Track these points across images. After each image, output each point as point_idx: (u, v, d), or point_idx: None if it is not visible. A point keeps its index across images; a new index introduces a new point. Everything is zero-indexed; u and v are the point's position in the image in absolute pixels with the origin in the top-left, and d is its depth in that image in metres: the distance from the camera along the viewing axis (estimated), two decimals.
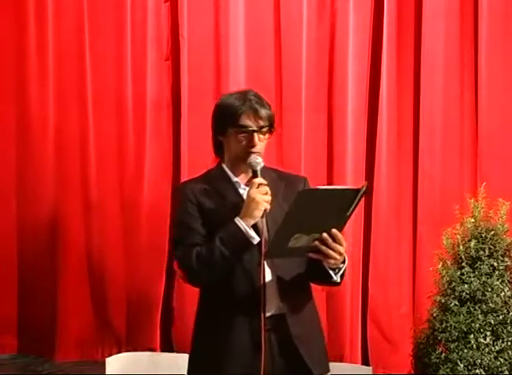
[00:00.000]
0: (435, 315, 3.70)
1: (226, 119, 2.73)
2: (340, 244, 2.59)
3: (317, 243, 2.56)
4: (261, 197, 2.60)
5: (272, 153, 4.56)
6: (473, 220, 3.72)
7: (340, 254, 2.60)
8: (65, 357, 4.64)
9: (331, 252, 2.58)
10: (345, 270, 2.69)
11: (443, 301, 3.66)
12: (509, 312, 3.60)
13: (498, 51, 4.39)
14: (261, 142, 2.72)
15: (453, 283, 3.65)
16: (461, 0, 4.45)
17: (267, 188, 2.63)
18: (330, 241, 2.57)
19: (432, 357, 3.62)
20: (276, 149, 4.59)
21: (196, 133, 4.65)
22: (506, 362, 3.54)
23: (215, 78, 4.67)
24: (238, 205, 2.66)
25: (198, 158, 4.64)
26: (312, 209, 2.46)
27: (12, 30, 4.68)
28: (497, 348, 3.55)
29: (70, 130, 4.69)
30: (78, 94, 4.69)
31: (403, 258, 4.50)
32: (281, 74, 4.61)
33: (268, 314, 2.68)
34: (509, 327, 3.59)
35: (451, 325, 3.60)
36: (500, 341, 3.56)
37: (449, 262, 3.72)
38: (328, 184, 4.48)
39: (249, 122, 2.70)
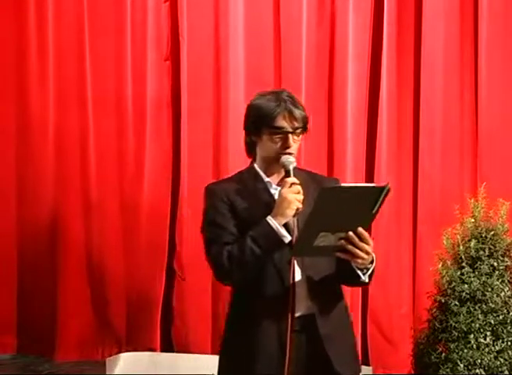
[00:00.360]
0: (435, 315, 3.70)
1: (261, 121, 2.72)
2: (367, 243, 2.57)
3: (343, 242, 2.54)
4: (293, 196, 2.60)
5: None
6: (473, 220, 3.72)
7: (367, 253, 2.58)
8: (65, 357, 4.64)
9: (358, 251, 2.56)
10: (373, 270, 2.68)
11: (443, 301, 3.66)
12: (509, 312, 3.60)
13: (498, 51, 4.39)
14: (294, 143, 2.72)
15: (453, 283, 3.65)
16: (461, 0, 4.45)
17: (299, 187, 2.62)
18: (356, 239, 2.55)
19: (432, 357, 3.61)
20: None
21: (196, 133, 4.66)
22: (506, 362, 3.54)
23: (214, 78, 4.67)
24: (270, 205, 2.65)
25: (198, 158, 4.66)
26: (336, 207, 2.45)
27: (12, 30, 4.69)
28: (497, 347, 3.54)
29: (70, 130, 4.69)
30: (78, 94, 4.69)
31: (403, 258, 4.50)
32: (280, 74, 4.61)
33: (297, 314, 2.68)
34: (509, 327, 3.59)
35: (451, 325, 3.60)
36: (500, 340, 3.56)
37: (449, 262, 3.72)
38: None
39: (284, 123, 2.69)
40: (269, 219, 2.62)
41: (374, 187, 2.57)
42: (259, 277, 2.69)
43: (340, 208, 2.46)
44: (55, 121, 4.70)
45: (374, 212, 2.52)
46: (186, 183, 4.66)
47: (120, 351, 4.68)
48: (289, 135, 2.70)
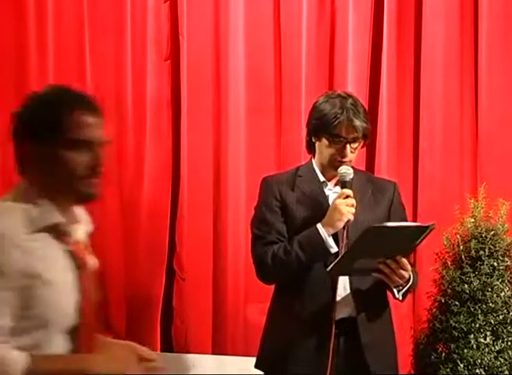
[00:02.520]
0: (435, 315, 3.69)
1: (321, 125, 2.74)
2: (405, 270, 2.61)
3: (381, 266, 2.58)
4: (345, 208, 2.62)
5: (271, 154, 4.58)
6: (473, 220, 3.71)
7: (403, 278, 2.64)
8: None
9: (393, 277, 2.60)
10: (409, 289, 2.72)
11: (443, 301, 3.65)
12: (509, 312, 3.59)
13: (498, 51, 4.38)
14: (352, 153, 2.73)
15: (453, 283, 3.64)
16: (461, 0, 4.45)
17: (353, 201, 2.65)
18: (394, 266, 2.58)
19: (432, 357, 3.61)
20: (275, 150, 4.60)
21: (196, 132, 4.66)
22: (507, 362, 3.53)
23: (214, 78, 4.66)
24: (322, 206, 2.67)
25: (198, 157, 4.66)
26: (379, 242, 2.50)
27: (11, 29, 4.68)
28: (497, 347, 3.54)
29: None
30: None
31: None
32: (281, 74, 4.60)
33: (338, 317, 2.68)
34: (509, 327, 3.58)
35: (451, 325, 3.59)
36: (500, 340, 3.56)
37: (449, 262, 3.71)
38: None
39: (343, 132, 2.71)
40: (319, 227, 2.63)
41: (420, 226, 2.63)
42: (304, 278, 2.71)
43: (384, 243, 2.52)
44: None
45: (415, 245, 2.57)
46: (186, 182, 4.66)
47: None
48: (347, 145, 2.70)
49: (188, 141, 4.66)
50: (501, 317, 3.58)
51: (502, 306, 3.60)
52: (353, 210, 2.61)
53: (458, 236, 3.72)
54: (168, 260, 4.69)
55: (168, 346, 4.69)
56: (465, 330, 3.57)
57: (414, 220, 4.45)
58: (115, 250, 4.68)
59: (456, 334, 3.57)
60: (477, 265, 3.65)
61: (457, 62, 4.44)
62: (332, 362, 2.66)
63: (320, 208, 2.66)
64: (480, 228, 3.69)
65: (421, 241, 2.57)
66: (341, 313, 2.70)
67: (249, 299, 4.47)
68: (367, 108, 4.44)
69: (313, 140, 2.81)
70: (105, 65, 4.70)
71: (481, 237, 3.67)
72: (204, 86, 4.65)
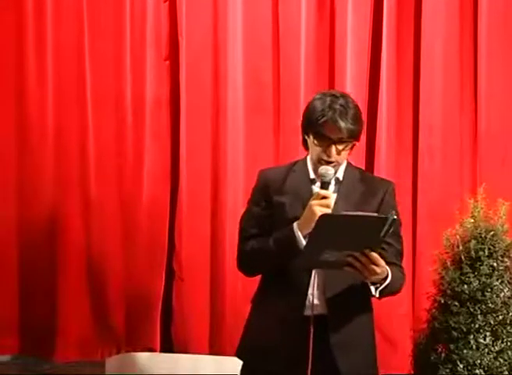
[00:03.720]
0: (434, 315, 3.69)
1: (308, 123, 2.75)
2: (376, 264, 2.58)
3: (351, 259, 2.56)
4: (319, 209, 2.59)
5: (269, 153, 4.58)
6: (472, 221, 3.71)
7: (375, 274, 2.59)
8: (64, 358, 4.64)
9: (365, 271, 2.58)
10: (388, 287, 2.68)
11: (443, 301, 3.65)
12: (508, 313, 3.59)
13: (498, 50, 4.38)
14: (338, 154, 2.71)
15: (453, 284, 3.64)
16: None
17: (329, 202, 2.63)
18: (364, 260, 2.57)
19: (432, 357, 3.60)
20: (274, 149, 4.60)
21: (195, 132, 4.66)
22: (506, 363, 3.53)
23: (213, 78, 4.66)
24: (306, 203, 2.66)
25: (197, 157, 4.66)
26: (337, 231, 2.48)
27: (10, 29, 4.68)
28: (497, 348, 3.54)
29: (69, 129, 4.69)
30: (77, 94, 4.69)
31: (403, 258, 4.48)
32: (279, 74, 4.60)
33: (308, 313, 2.69)
34: (508, 328, 3.58)
35: (451, 325, 3.59)
36: (500, 341, 3.55)
37: (448, 263, 3.71)
38: None
39: (327, 132, 2.68)
40: (295, 226, 2.64)
41: (379, 217, 2.57)
42: (281, 274, 2.74)
43: (344, 232, 2.49)
44: (54, 120, 4.69)
45: (381, 237, 2.55)
46: (185, 182, 4.66)
47: (119, 352, 4.68)
48: (333, 145, 2.69)
49: (187, 140, 4.66)
50: (500, 318, 3.58)
51: (501, 307, 3.59)
52: (328, 211, 2.60)
53: (458, 236, 3.71)
54: (168, 260, 4.69)
55: (167, 346, 4.69)
56: (465, 330, 3.57)
57: (414, 222, 4.47)
58: (114, 250, 4.68)
59: (456, 335, 3.57)
60: (476, 265, 3.64)
61: (457, 62, 4.44)
62: (307, 360, 2.67)
63: (304, 206, 2.67)
64: (479, 228, 3.69)
65: (385, 234, 2.54)
66: (314, 311, 2.71)
67: (248, 299, 4.45)
68: (366, 107, 4.50)
69: (305, 136, 2.82)
70: (105, 65, 4.70)
71: (481, 237, 3.67)
72: (203, 86, 4.65)
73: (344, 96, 2.78)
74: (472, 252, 3.65)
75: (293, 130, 4.49)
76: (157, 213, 4.68)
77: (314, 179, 2.78)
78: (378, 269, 2.58)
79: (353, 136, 2.74)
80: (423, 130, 4.45)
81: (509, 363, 3.53)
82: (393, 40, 4.46)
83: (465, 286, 3.61)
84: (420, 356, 3.70)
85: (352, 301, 2.77)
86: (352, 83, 4.49)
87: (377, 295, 2.70)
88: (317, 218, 2.54)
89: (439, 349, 3.61)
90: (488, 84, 4.39)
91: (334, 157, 2.71)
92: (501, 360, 3.53)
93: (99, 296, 4.68)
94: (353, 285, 2.73)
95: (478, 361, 3.52)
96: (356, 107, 2.77)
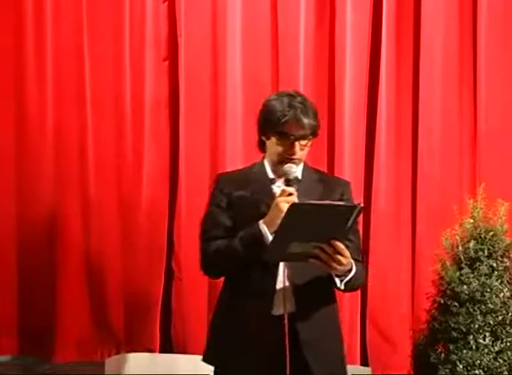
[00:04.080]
0: (434, 315, 3.70)
1: (269, 124, 2.77)
2: (341, 255, 2.60)
3: (317, 251, 2.58)
4: (285, 206, 2.60)
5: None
6: (472, 221, 3.71)
7: (341, 264, 2.61)
8: (64, 358, 4.63)
9: (330, 262, 2.60)
10: (352, 279, 2.70)
11: (442, 301, 3.66)
12: (508, 313, 3.60)
13: (497, 50, 4.39)
14: (301, 150, 2.75)
15: (452, 284, 3.65)
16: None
17: (295, 198, 2.64)
18: (330, 250, 2.59)
19: (431, 358, 3.61)
20: None
21: (194, 133, 4.66)
22: (506, 363, 3.54)
23: (212, 78, 4.66)
24: (268, 202, 2.69)
25: (196, 158, 4.66)
26: (306, 221, 2.50)
27: (10, 30, 4.67)
28: (496, 348, 3.55)
29: (69, 130, 4.68)
30: (77, 94, 4.68)
31: (403, 259, 4.50)
32: (278, 75, 4.60)
33: (277, 313, 2.70)
34: (508, 328, 3.59)
35: (450, 326, 3.60)
36: (499, 341, 3.56)
37: (448, 263, 3.71)
38: None
39: (291, 130, 2.72)
40: (261, 224, 2.66)
41: (345, 206, 2.61)
42: (247, 273, 2.74)
43: (312, 222, 2.51)
44: (53, 121, 4.69)
45: (347, 227, 2.57)
46: (184, 183, 4.66)
47: (119, 352, 4.67)
48: (296, 142, 2.72)
49: (186, 140, 4.66)
50: (500, 318, 3.59)
51: (501, 307, 3.60)
52: None
53: (457, 237, 3.72)
54: (167, 260, 4.69)
55: (167, 347, 4.69)
56: (464, 330, 3.58)
57: (413, 222, 4.47)
58: (113, 250, 4.68)
59: (456, 335, 3.58)
60: (476, 265, 3.65)
61: (456, 62, 4.45)
62: (278, 358, 2.69)
63: (266, 205, 2.69)
64: (479, 229, 3.69)
65: (352, 223, 2.57)
66: (281, 309, 2.72)
67: None
68: (365, 108, 4.50)
69: (263, 138, 2.84)
70: (104, 65, 4.69)
71: (481, 237, 3.68)
72: (203, 86, 4.65)
73: (300, 94, 2.84)
74: (472, 252, 3.66)
75: None
76: (156, 213, 4.68)
77: (273, 179, 2.81)
78: (344, 260, 2.61)
79: (315, 132, 2.79)
80: (422, 131, 4.45)
81: (508, 363, 3.53)
82: (393, 41, 4.47)
83: (465, 286, 3.62)
84: (419, 356, 3.70)
85: (318, 296, 2.79)
86: (351, 84, 4.50)
87: (342, 287, 2.72)
88: (283, 214, 2.57)
89: (439, 349, 3.62)
90: (488, 85, 4.39)
91: (298, 153, 2.74)
92: (500, 360, 3.54)
93: (98, 296, 4.67)
94: (319, 278, 2.75)
95: (478, 361, 3.53)
96: (313, 103, 2.83)
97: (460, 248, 3.69)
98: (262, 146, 2.87)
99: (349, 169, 4.50)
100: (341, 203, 2.67)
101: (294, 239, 2.54)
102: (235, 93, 4.62)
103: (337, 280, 2.69)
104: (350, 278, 2.70)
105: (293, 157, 2.74)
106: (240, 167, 4.55)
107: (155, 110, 4.70)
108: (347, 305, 4.50)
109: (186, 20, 4.62)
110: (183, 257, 4.64)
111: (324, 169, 4.53)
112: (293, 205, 2.53)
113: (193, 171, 4.66)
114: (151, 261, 4.66)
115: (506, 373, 3.52)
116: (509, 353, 3.55)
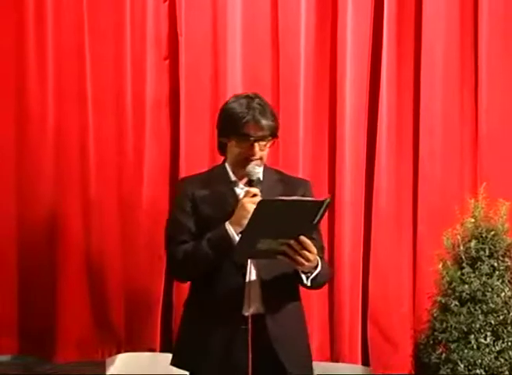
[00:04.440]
0: (435, 315, 3.70)
1: (229, 126, 2.83)
2: (309, 251, 2.63)
3: (285, 248, 2.62)
4: (251, 206, 2.65)
5: (269, 155, 4.56)
6: (473, 220, 3.71)
7: (308, 260, 2.64)
8: (64, 358, 4.63)
9: (297, 258, 2.65)
10: (318, 276, 2.74)
11: (443, 301, 3.66)
12: (509, 313, 3.60)
13: (498, 52, 4.38)
14: (261, 151, 2.77)
15: (454, 284, 3.65)
16: (461, 0, 4.43)
17: (259, 198, 2.68)
18: (297, 247, 2.62)
19: (433, 357, 3.62)
20: (273, 151, 4.58)
21: (194, 132, 4.66)
22: (507, 363, 3.54)
23: (213, 77, 4.66)
24: (231, 204, 2.74)
25: (197, 157, 4.65)
26: (275, 218, 2.54)
27: (11, 29, 4.67)
28: (497, 348, 3.55)
29: (69, 129, 4.68)
30: (77, 93, 4.68)
31: (404, 259, 4.49)
32: (278, 74, 4.59)
33: (247, 313, 2.73)
34: (509, 327, 3.59)
35: (451, 325, 3.60)
36: (501, 341, 3.56)
37: (449, 263, 3.72)
38: (329, 186, 4.49)
39: (250, 131, 2.76)
40: (227, 224, 2.70)
41: (313, 201, 2.65)
42: (214, 275, 2.78)
43: (280, 219, 2.56)
44: (54, 120, 4.68)
45: (315, 222, 2.60)
46: None
47: (120, 352, 4.68)
48: (255, 143, 2.77)
49: (186, 139, 4.66)
50: (501, 317, 3.59)
51: (502, 306, 3.60)
52: None
53: (458, 236, 3.72)
54: None
55: (167, 346, 4.68)
56: (465, 330, 3.58)
57: (415, 222, 4.46)
58: (114, 250, 4.68)
59: (457, 335, 3.58)
60: (477, 265, 3.65)
61: (457, 63, 4.44)
62: (247, 359, 2.71)
63: (230, 207, 2.73)
64: (480, 228, 3.70)
65: (320, 218, 2.59)
66: (251, 309, 2.75)
67: None
68: (367, 109, 4.49)
69: (223, 141, 2.86)
70: (105, 64, 4.69)
71: (482, 237, 3.68)
72: (203, 85, 4.65)
73: (258, 96, 2.90)
74: (473, 252, 3.66)
75: (292, 130, 4.53)
76: (157, 213, 4.67)
77: (235, 181, 2.84)
78: (311, 256, 2.66)
79: (274, 132, 2.84)
80: (423, 131, 4.44)
81: (509, 363, 3.54)
82: (394, 42, 4.46)
83: (466, 286, 3.62)
84: (420, 356, 3.70)
85: (285, 294, 2.83)
86: (352, 84, 4.48)
87: (309, 284, 2.75)
88: (250, 214, 2.61)
89: (440, 349, 3.62)
90: (489, 87, 4.38)
91: (259, 154, 2.78)
92: (502, 360, 3.54)
93: (99, 296, 4.67)
94: (285, 276, 2.78)
95: (479, 361, 3.53)
96: (270, 105, 2.90)
97: (462, 247, 3.69)
98: (222, 149, 2.90)
99: (349, 170, 4.49)
100: (309, 199, 2.70)
101: (262, 236, 2.58)
102: (235, 92, 4.60)
103: (303, 277, 2.73)
104: (316, 274, 2.74)
105: (254, 158, 2.78)
106: None
107: (156, 109, 4.70)
108: (348, 304, 4.50)
109: (186, 19, 4.62)
110: None
111: (325, 170, 4.55)
112: (262, 202, 2.56)
113: (193, 170, 4.61)
114: (151, 260, 4.66)
115: (507, 372, 3.52)
116: (510, 353, 3.55)
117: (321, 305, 4.50)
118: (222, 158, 4.51)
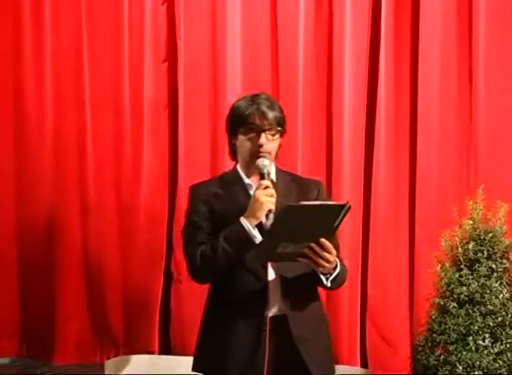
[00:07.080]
0: (433, 317, 3.69)
1: (236, 121, 2.81)
2: (329, 253, 2.64)
3: (306, 250, 2.62)
4: (265, 198, 2.66)
5: None
6: (471, 222, 3.71)
7: (329, 262, 2.65)
8: (63, 360, 4.65)
9: (319, 260, 2.64)
10: (338, 276, 2.74)
11: (442, 303, 3.65)
12: (507, 314, 3.59)
13: (495, 51, 4.38)
14: (269, 143, 2.77)
15: (452, 286, 3.64)
16: (458, 0, 4.44)
17: (272, 191, 2.70)
18: (318, 249, 2.63)
19: (431, 359, 3.61)
20: None
21: (193, 134, 4.66)
22: (505, 364, 3.53)
23: (211, 80, 4.67)
24: (246, 206, 2.71)
25: (195, 159, 4.66)
26: (297, 222, 2.53)
27: (9, 31, 4.68)
28: (496, 350, 3.54)
29: (68, 131, 4.69)
30: (76, 96, 4.69)
31: (402, 261, 4.49)
32: (277, 76, 4.60)
33: (270, 314, 2.72)
34: (507, 329, 3.58)
35: (450, 327, 3.59)
36: (499, 343, 3.55)
37: (447, 265, 3.71)
38: (327, 186, 4.49)
39: (256, 121, 2.76)
40: (242, 219, 2.69)
41: (335, 205, 2.64)
42: (234, 277, 2.76)
43: (302, 223, 2.55)
44: (52, 123, 4.70)
45: (335, 225, 2.61)
46: (183, 185, 4.65)
47: (118, 354, 4.68)
48: (262, 134, 2.76)
49: (185, 142, 4.67)
50: (499, 319, 3.58)
51: (500, 308, 3.59)
52: (273, 200, 2.68)
53: (456, 238, 3.71)
54: (166, 263, 4.69)
55: (166, 349, 4.69)
56: (464, 332, 3.57)
57: (412, 224, 4.46)
58: (113, 253, 4.69)
59: (455, 336, 3.57)
60: (475, 267, 3.64)
61: (455, 63, 4.44)
62: (269, 360, 2.71)
63: (245, 209, 2.71)
64: (478, 230, 3.69)
65: (340, 222, 2.60)
66: (273, 310, 2.75)
67: None
68: (365, 109, 4.49)
69: (233, 141, 2.86)
70: (103, 67, 4.71)
71: (480, 239, 3.67)
72: (202, 87, 4.66)
73: (265, 93, 2.89)
74: (471, 254, 3.66)
75: (291, 132, 4.49)
76: (155, 216, 4.68)
77: (249, 183, 2.83)
78: (331, 258, 2.65)
79: (281, 123, 2.82)
80: (421, 132, 4.44)
81: (508, 365, 3.53)
82: (391, 41, 4.47)
83: (464, 288, 3.61)
84: (419, 358, 3.69)
85: (305, 294, 2.83)
86: (350, 84, 4.49)
87: (328, 285, 2.75)
88: (264, 206, 2.64)
89: (438, 351, 3.62)
90: (486, 85, 4.38)
91: (266, 145, 2.76)
92: (500, 362, 3.53)
93: (98, 299, 4.68)
94: (304, 276, 2.78)
95: (477, 363, 3.52)
96: (278, 102, 2.87)
97: (460, 249, 3.68)
98: (234, 152, 2.89)
99: (348, 170, 4.50)
100: (332, 203, 2.70)
101: (284, 240, 2.57)
102: (234, 94, 4.60)
103: (323, 278, 2.72)
104: (336, 275, 2.73)
105: (262, 150, 2.76)
106: None
107: (154, 112, 4.71)
108: (347, 306, 4.50)
109: (185, 22, 4.63)
110: (182, 259, 4.63)
111: (323, 170, 4.55)
112: (288, 207, 2.56)
113: (192, 172, 4.65)
114: (150, 263, 4.67)
115: (505, 374, 3.52)
116: (508, 354, 3.54)
117: None
118: (224, 162, 4.57)
